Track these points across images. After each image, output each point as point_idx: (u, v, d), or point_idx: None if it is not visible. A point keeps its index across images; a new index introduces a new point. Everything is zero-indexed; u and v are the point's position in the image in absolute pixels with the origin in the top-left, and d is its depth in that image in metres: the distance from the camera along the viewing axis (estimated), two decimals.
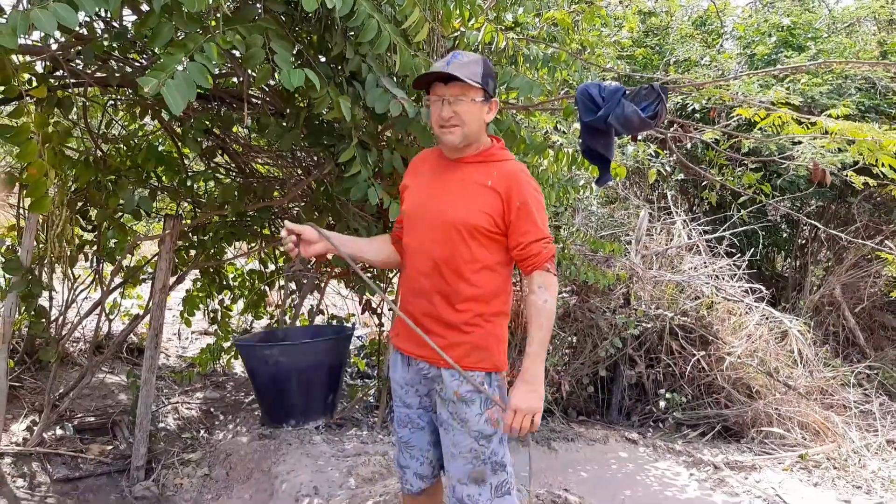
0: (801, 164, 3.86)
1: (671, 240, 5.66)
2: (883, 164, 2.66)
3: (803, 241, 7.46)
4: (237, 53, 2.54)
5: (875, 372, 5.53)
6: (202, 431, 3.95)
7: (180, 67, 1.80)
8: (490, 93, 2.05)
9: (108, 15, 2.68)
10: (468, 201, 2.03)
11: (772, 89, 5.11)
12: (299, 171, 3.90)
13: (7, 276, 3.08)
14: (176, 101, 1.72)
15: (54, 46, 2.84)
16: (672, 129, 3.57)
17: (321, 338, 2.12)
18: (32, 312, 3.26)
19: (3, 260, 3.02)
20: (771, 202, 5.51)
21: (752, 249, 5.83)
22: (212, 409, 4.31)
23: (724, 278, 5.49)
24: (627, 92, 2.48)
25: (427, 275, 2.07)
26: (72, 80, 3.05)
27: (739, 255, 5.67)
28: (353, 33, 2.40)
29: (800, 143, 4.23)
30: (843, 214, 7.13)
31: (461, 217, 2.01)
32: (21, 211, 3.62)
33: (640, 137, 4.71)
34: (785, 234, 7.39)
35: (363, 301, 4.58)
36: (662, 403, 4.99)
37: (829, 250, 7.43)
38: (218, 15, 2.03)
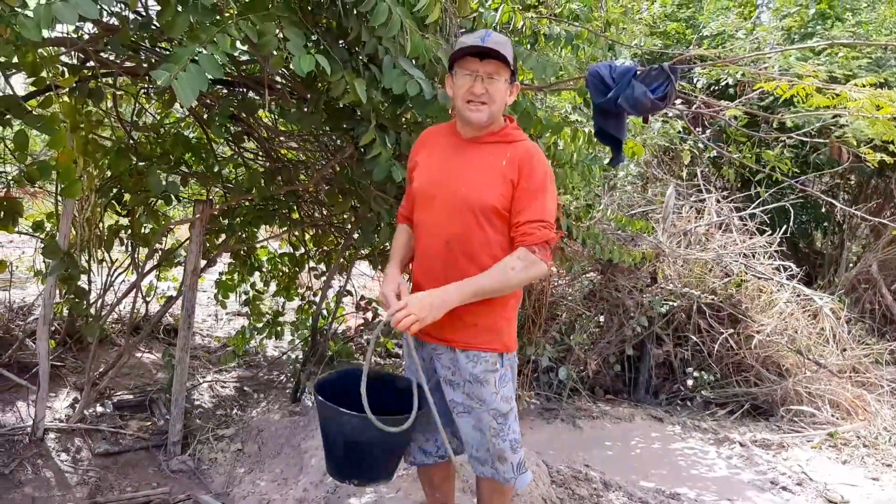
0: (823, 141, 3.76)
1: (701, 218, 5.60)
2: None
3: (841, 218, 7.30)
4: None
5: None
6: (235, 409, 4.09)
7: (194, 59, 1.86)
8: (516, 76, 2.10)
9: (126, 7, 2.75)
10: (483, 182, 2.04)
11: (807, 62, 5.00)
12: (325, 156, 3.97)
13: (46, 260, 3.22)
14: (186, 93, 1.78)
15: (85, 38, 2.94)
16: (694, 107, 3.53)
17: (393, 416, 2.07)
18: (73, 294, 3.40)
19: (43, 245, 3.17)
20: (806, 178, 5.41)
21: (785, 226, 5.73)
22: (245, 388, 4.45)
23: (756, 256, 5.42)
24: (638, 72, 2.47)
25: (439, 253, 2.09)
26: (102, 71, 3.15)
27: (771, 232, 5.58)
28: (368, 17, 2.44)
29: (838, 117, 4.12)
30: (882, 189, 6.95)
31: (476, 197, 2.02)
32: (58, 198, 3.76)
33: (660, 122, 4.66)
34: (824, 211, 7.24)
35: None
36: (690, 382, 4.98)
37: (868, 226, 7.27)
38: (233, 5, 2.09)
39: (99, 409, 3.70)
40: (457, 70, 2.05)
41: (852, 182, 7.19)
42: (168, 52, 3.26)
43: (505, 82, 2.04)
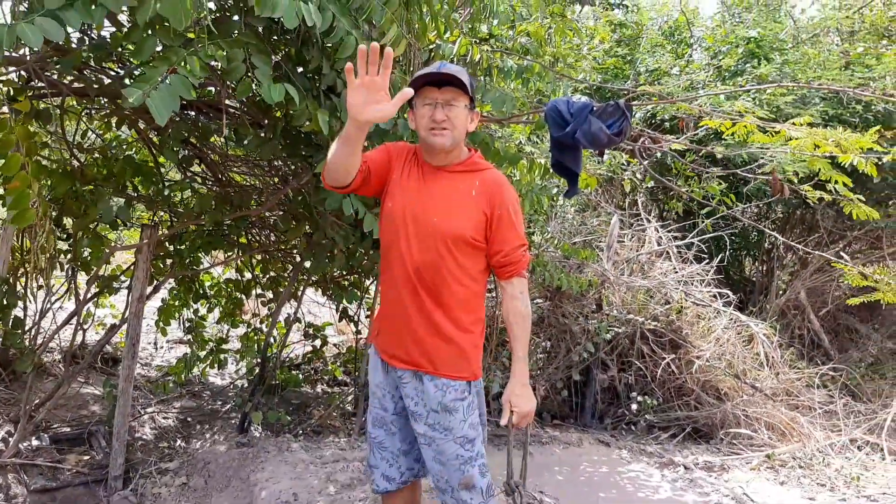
0: (763, 175, 3.97)
1: (642, 246, 5.78)
2: (836, 182, 2.76)
3: (770, 246, 7.65)
4: (216, 64, 2.59)
5: (839, 373, 5.70)
6: (179, 440, 3.95)
7: (163, 79, 1.84)
8: (474, 103, 2.14)
9: (92, 27, 2.69)
10: (455, 212, 2.07)
11: (738, 100, 5.26)
12: (276, 181, 3.94)
13: None
14: (161, 111, 1.76)
15: (30, 57, 2.84)
16: (640, 142, 3.67)
17: None
18: (9, 324, 3.24)
19: None
20: (737, 209, 5.66)
21: (721, 255, 5.97)
22: (188, 419, 4.30)
23: (693, 283, 5.62)
24: (595, 108, 2.57)
25: (410, 282, 2.09)
26: (48, 91, 3.05)
27: (708, 260, 5.81)
28: (330, 45, 2.45)
29: (768, 149, 4.35)
30: (808, 220, 7.33)
31: (449, 228, 2.05)
32: None
33: (606, 152, 4.82)
34: (753, 240, 7.58)
35: (340, 309, 4.62)
36: (634, 406, 5.10)
37: (794, 255, 7.64)
38: (203, 24, 2.07)
39: (34, 442, 3.51)
40: (417, 102, 2.07)
41: (779, 213, 7.55)
42: (115, 73, 3.20)
43: (465, 108, 2.07)
